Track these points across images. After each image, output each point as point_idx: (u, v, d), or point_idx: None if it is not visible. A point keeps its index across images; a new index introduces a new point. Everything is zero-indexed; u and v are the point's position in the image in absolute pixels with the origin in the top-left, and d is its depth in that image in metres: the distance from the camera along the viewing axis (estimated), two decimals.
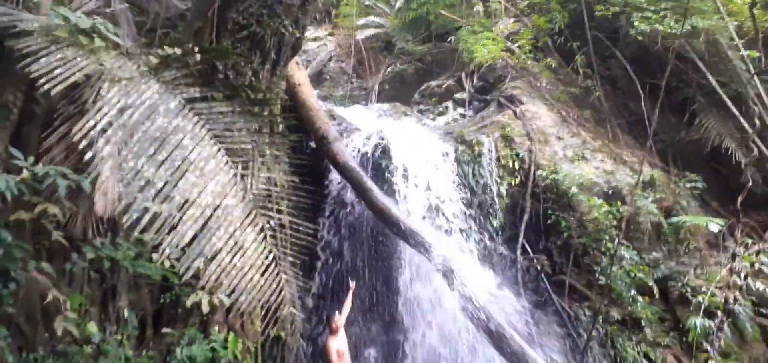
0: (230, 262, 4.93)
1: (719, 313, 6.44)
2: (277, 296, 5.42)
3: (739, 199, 10.67)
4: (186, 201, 4.74)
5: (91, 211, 5.46)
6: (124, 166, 4.71)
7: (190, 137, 4.97)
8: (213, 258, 4.89)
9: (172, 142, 4.83)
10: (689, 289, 9.44)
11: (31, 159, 4.68)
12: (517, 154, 10.57)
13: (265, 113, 6.19)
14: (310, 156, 8.57)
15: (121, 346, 5.84)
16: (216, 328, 6.84)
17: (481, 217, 9.80)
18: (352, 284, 8.06)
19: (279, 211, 5.72)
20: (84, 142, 4.54)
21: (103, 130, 4.70)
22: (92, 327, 5.61)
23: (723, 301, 6.53)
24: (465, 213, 9.52)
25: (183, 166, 4.77)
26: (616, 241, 9.02)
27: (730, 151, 11.00)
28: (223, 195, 4.89)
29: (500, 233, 10.00)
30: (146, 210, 4.66)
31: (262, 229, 5.22)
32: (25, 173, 4.55)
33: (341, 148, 7.75)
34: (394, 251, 8.88)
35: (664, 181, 11.03)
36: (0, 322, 4.90)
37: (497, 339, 5.92)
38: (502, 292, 7.81)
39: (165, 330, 6.56)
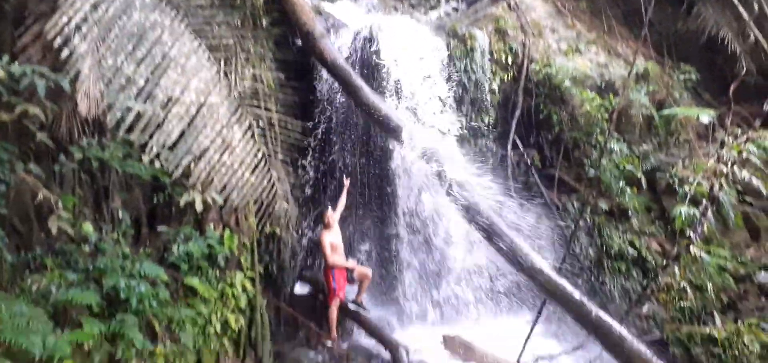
0: (219, 160, 4.94)
1: (704, 200, 6.55)
2: (269, 193, 5.47)
3: (732, 88, 10.62)
4: (169, 99, 4.68)
5: (75, 112, 5.40)
6: (104, 64, 4.60)
7: (168, 32, 4.82)
8: (201, 156, 4.88)
9: (150, 38, 4.69)
10: (676, 180, 9.60)
11: (6, 58, 4.56)
12: (511, 48, 10.37)
13: (247, 6, 5.97)
14: (298, 53, 8.38)
15: (118, 244, 5.96)
16: (211, 225, 6.96)
17: (473, 114, 9.76)
18: (347, 181, 8.14)
19: (267, 109, 5.65)
20: (59, 40, 4.40)
21: (78, 27, 4.55)
22: (87, 227, 5.69)
23: (708, 188, 6.62)
24: (456, 110, 9.46)
25: (163, 63, 4.66)
26: (607, 133, 9.04)
27: (726, 41, 10.82)
28: (206, 92, 4.82)
29: (492, 129, 10.00)
30: (129, 109, 4.60)
31: (249, 127, 5.18)
32: (1, 73, 4.45)
33: (328, 45, 7.54)
34: (386, 149, 8.90)
35: (658, 73, 10.92)
36: None
37: (488, 232, 6.04)
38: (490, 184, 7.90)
39: (160, 228, 6.69)
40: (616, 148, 9.42)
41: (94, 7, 4.60)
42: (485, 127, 9.83)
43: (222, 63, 5.15)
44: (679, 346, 7.53)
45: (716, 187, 6.51)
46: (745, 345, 7.15)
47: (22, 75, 4.48)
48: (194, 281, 6.33)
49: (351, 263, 7.52)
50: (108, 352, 5.10)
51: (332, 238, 7.55)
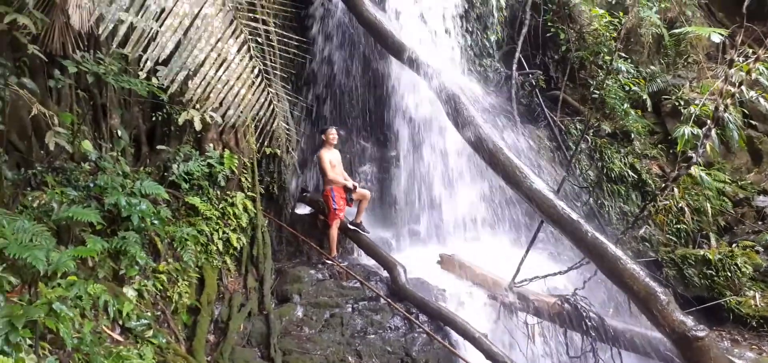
0: (215, 75, 4.81)
1: (708, 121, 6.44)
2: (268, 111, 5.38)
3: (745, 4, 10.23)
4: (162, 10, 4.50)
5: (67, 26, 5.24)
6: None
7: None
8: (196, 72, 4.76)
9: None
10: (682, 102, 9.47)
11: None
12: None
13: None
14: None
15: (118, 163, 5.96)
16: (210, 145, 6.97)
17: (479, 31, 9.51)
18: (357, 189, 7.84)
19: (264, 23, 5.47)
20: None
21: None
22: (87, 144, 5.67)
23: (713, 109, 6.50)
24: (462, 27, 9.20)
25: None
26: (615, 52, 8.83)
27: None
28: (200, 3, 4.63)
29: (497, 49, 9.78)
30: (122, 21, 4.45)
31: (245, 41, 5.03)
32: None
33: None
34: (388, 69, 8.74)
35: None
36: None
37: (487, 153, 5.99)
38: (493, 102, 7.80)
39: (160, 147, 6.68)
40: (623, 69, 9.24)
41: None
42: (490, 46, 9.61)
43: None
44: (673, 268, 7.67)
45: (721, 107, 6.37)
46: (737, 267, 7.28)
47: None
48: (195, 200, 6.38)
49: (350, 183, 7.53)
50: (112, 268, 5.20)
51: (331, 156, 7.53)
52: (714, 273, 7.32)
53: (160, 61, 4.56)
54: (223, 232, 6.64)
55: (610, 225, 8.69)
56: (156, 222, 5.63)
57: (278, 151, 7.97)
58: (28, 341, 3.68)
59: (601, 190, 9.04)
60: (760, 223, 8.45)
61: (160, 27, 4.49)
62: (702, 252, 7.63)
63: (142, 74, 4.98)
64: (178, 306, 5.74)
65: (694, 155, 6.44)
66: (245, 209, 7.00)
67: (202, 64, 4.71)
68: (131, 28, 4.50)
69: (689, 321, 4.74)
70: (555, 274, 6.44)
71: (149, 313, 5.16)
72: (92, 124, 6.22)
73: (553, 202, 5.58)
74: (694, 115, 7.04)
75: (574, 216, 5.54)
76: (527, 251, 6.48)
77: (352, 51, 8.94)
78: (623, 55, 9.57)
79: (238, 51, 4.98)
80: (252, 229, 7.10)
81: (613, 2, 10.05)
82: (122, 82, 5.70)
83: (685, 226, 8.46)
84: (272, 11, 6.47)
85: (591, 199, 8.84)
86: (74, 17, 4.81)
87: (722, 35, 9.09)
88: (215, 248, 6.46)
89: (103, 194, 5.36)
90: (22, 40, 4.90)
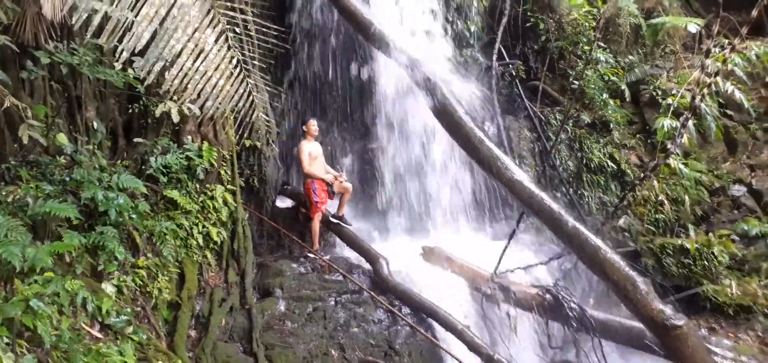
0: (192, 66, 4.73)
1: (686, 111, 6.54)
2: (246, 103, 5.31)
3: None
4: None
5: (39, 15, 5.11)
6: None
7: None
8: (173, 62, 4.67)
9: None
10: (660, 92, 9.59)
11: None
12: None
13: None
14: None
15: (94, 156, 5.83)
16: (189, 137, 6.86)
17: (459, 22, 9.50)
18: (342, 176, 7.84)
19: (242, 12, 5.38)
20: None
21: None
22: (62, 138, 5.53)
23: (690, 100, 6.60)
24: (442, 16, 9.18)
25: None
26: (594, 43, 8.90)
27: None
28: None
29: (477, 39, 9.78)
30: (96, 11, 4.33)
31: (223, 31, 4.95)
32: None
33: None
34: (369, 60, 8.68)
35: None
36: None
37: (468, 143, 6.00)
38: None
39: (137, 140, 6.56)
40: (602, 58, 9.31)
41: None
42: (470, 36, 9.61)
43: None
44: (652, 257, 7.78)
45: (698, 98, 6.47)
46: (714, 256, 7.41)
47: None
48: (174, 193, 6.29)
49: (329, 176, 7.47)
50: (90, 263, 5.10)
51: (311, 149, 7.46)
52: (692, 262, 7.44)
53: (136, 51, 4.46)
54: (203, 226, 6.56)
55: (590, 215, 8.78)
56: (134, 216, 5.53)
57: (258, 144, 7.89)
58: (6, 339, 3.60)
59: (580, 180, 9.13)
60: (735, 211, 8.62)
61: (136, 17, 4.39)
62: (680, 241, 7.75)
63: (118, 65, 4.89)
64: (158, 301, 5.65)
65: (672, 146, 6.54)
66: (225, 203, 6.92)
67: (179, 55, 4.62)
68: (106, 17, 4.39)
69: (668, 310, 4.81)
70: (536, 264, 6.49)
71: (129, 309, 5.07)
72: (67, 116, 6.08)
73: (534, 192, 5.61)
74: (672, 107, 7.15)
75: (555, 206, 5.58)
76: (508, 242, 6.51)
77: (332, 41, 8.86)
78: (602, 45, 9.64)
79: (216, 41, 4.90)
80: (232, 223, 7.02)
81: None
82: (97, 73, 5.57)
83: (663, 216, 8.59)
84: (250, 1, 6.36)
85: (571, 189, 8.92)
86: (46, 7, 4.67)
87: (698, 25, 9.22)
88: (195, 243, 6.38)
89: (80, 188, 5.25)
90: None
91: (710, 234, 8.00)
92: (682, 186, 8.84)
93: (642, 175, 8.31)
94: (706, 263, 7.38)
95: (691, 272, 7.42)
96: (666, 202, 8.61)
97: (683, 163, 7.84)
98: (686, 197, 8.65)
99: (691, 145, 8.48)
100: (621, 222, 8.61)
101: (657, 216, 8.65)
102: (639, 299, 4.91)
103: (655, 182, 8.77)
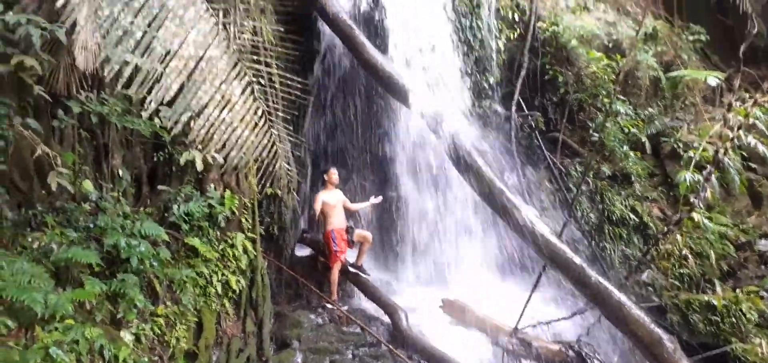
0: (218, 117, 4.83)
1: (708, 165, 6.47)
2: (270, 152, 5.38)
3: (741, 49, 10.41)
4: (167, 52, 4.54)
5: (72, 66, 5.27)
6: (100, 15, 4.45)
7: None
8: (200, 113, 4.78)
9: None
10: (681, 144, 9.52)
11: (1, 6, 4.43)
12: (518, 5, 10.14)
13: None
14: (299, 5, 8.17)
15: (118, 203, 5.90)
16: (212, 185, 6.92)
17: (478, 74, 9.61)
18: (377, 199, 7.93)
19: (267, 65, 5.52)
20: None
21: None
22: (88, 185, 5.62)
23: (713, 153, 6.54)
24: (461, 69, 9.30)
25: (161, 15, 4.50)
26: (613, 95, 8.92)
27: (736, 1, 10.57)
28: (205, 45, 4.67)
29: (496, 90, 9.87)
30: (127, 63, 4.47)
31: (249, 83, 5.06)
32: None
33: None
34: (388, 110, 8.79)
35: (667, 33, 10.73)
36: None
37: (489, 197, 5.99)
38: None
39: (161, 187, 6.64)
40: (622, 111, 9.31)
41: None
42: (489, 88, 9.70)
43: (221, 15, 4.99)
44: (677, 313, 7.57)
45: (721, 152, 6.42)
46: (742, 313, 7.18)
47: (17, 24, 4.36)
48: (195, 241, 6.31)
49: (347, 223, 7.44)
50: (109, 311, 5.10)
51: (327, 197, 7.48)
52: (719, 319, 7.22)
53: (164, 101, 4.57)
54: (223, 274, 6.55)
55: (612, 269, 8.61)
56: (155, 264, 5.56)
57: (279, 192, 7.95)
58: None
59: (602, 232, 9.00)
60: (763, 267, 8.39)
61: (165, 69, 4.52)
62: (706, 297, 7.54)
63: (146, 115, 5.00)
64: (176, 351, 5.61)
65: (695, 200, 6.45)
66: (245, 251, 6.92)
67: (206, 106, 4.72)
68: (136, 69, 4.53)
69: None
70: (559, 319, 6.36)
71: (146, 359, 5.04)
72: (94, 163, 6.19)
73: (557, 245, 5.56)
74: (694, 160, 7.09)
75: (578, 260, 5.51)
76: (530, 296, 6.41)
77: (352, 91, 9.00)
78: (621, 97, 9.66)
79: (242, 92, 5.01)
80: (251, 271, 7.01)
81: (610, 45, 10.20)
82: (126, 122, 5.70)
83: (688, 271, 8.39)
84: (275, 53, 6.52)
85: (593, 242, 8.79)
86: (80, 59, 4.82)
87: (719, 79, 9.22)
88: (214, 291, 6.36)
89: (103, 235, 5.30)
90: (27, 80, 4.91)
91: (738, 290, 7.78)
92: (706, 240, 8.67)
93: (666, 228, 8.17)
94: (735, 320, 7.15)
95: (719, 330, 7.18)
96: (690, 256, 8.43)
97: (707, 217, 7.70)
98: (711, 252, 8.46)
99: (714, 198, 8.35)
100: (644, 276, 8.43)
101: (681, 270, 8.46)
102: (665, 357, 4.79)
103: (678, 236, 8.62)
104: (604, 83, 9.53)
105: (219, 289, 6.43)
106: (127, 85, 4.53)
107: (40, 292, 4.02)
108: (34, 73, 4.94)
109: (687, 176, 6.83)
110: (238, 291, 6.69)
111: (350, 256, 7.62)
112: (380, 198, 7.79)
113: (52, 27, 4.46)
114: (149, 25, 4.40)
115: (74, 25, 4.43)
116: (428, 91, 7.97)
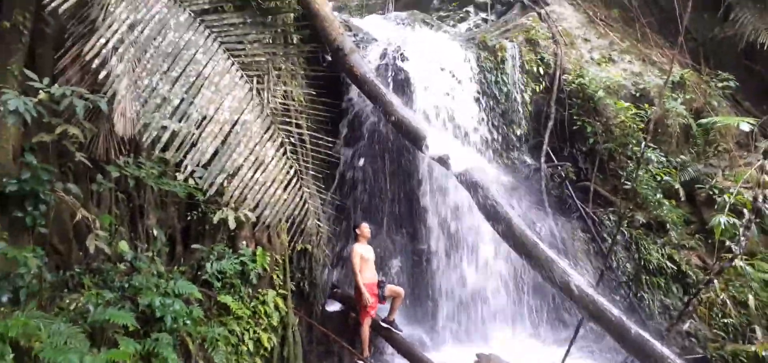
0: (252, 177, 4.94)
1: (746, 211, 6.30)
2: (301, 210, 5.45)
3: None
4: (204, 117, 4.70)
5: (111, 132, 5.48)
6: (140, 84, 4.66)
7: (202, 52, 4.87)
8: (234, 174, 4.90)
9: (185, 58, 4.75)
10: (716, 191, 9.30)
11: (47, 80, 4.66)
12: (542, 59, 10.24)
13: (278, 24, 6.00)
14: (328, 68, 8.41)
15: (153, 263, 6.00)
16: (244, 242, 7.00)
17: (504, 126, 9.65)
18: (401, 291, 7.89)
19: (298, 126, 5.66)
20: (97, 61, 4.48)
21: (115, 48, 4.62)
22: (124, 245, 5.75)
23: (751, 199, 6.37)
24: (487, 122, 9.36)
25: (198, 82, 4.70)
26: (643, 144, 8.82)
27: (765, 47, 10.48)
28: (240, 110, 4.84)
29: (524, 142, 9.87)
30: (165, 128, 4.64)
31: (281, 144, 5.18)
32: (42, 95, 4.54)
33: (358, 59, 7.53)
34: (417, 164, 8.84)
35: (695, 81, 10.64)
36: (35, 243, 5.06)
37: (523, 249, 5.91)
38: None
39: (194, 246, 6.74)
40: (653, 159, 9.18)
41: (131, 28, 4.67)
42: (517, 140, 9.71)
43: (254, 81, 5.18)
44: None
45: (760, 198, 6.25)
46: None
47: (61, 97, 4.57)
48: (227, 299, 6.34)
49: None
50: None
51: (363, 251, 7.47)
52: None
53: (200, 164, 4.71)
54: (254, 332, 6.53)
55: (651, 319, 8.32)
56: (188, 322, 5.59)
57: (309, 247, 7.98)
58: None
59: (639, 282, 8.74)
60: None
61: (201, 133, 4.67)
62: (753, 348, 7.20)
63: (181, 177, 5.15)
64: None
65: (736, 248, 6.25)
66: (276, 307, 6.91)
67: (240, 167, 4.84)
68: (173, 134, 4.69)
69: None
70: None
71: None
72: (129, 224, 6.35)
73: (594, 297, 5.42)
74: (729, 204, 6.91)
75: (616, 311, 5.35)
76: (568, 350, 6.20)
77: (381, 146, 9.11)
78: (652, 145, 9.55)
79: (275, 153, 5.13)
80: (283, 328, 6.98)
81: (638, 95, 10.16)
82: (162, 184, 5.85)
83: (732, 321, 8.05)
84: (306, 115, 6.68)
85: (630, 292, 8.54)
86: (119, 125, 5.02)
87: (752, 124, 9.07)
88: (246, 349, 6.34)
89: (138, 294, 5.37)
90: (70, 147, 5.11)
91: None
92: (749, 288, 8.34)
93: (706, 277, 7.90)
94: None
95: None
96: (731, 305, 8.10)
97: (748, 264, 7.44)
98: (752, 299, 8.12)
99: (754, 245, 8.08)
100: (686, 327, 8.11)
101: (725, 320, 8.12)
102: None
103: (717, 284, 8.32)
104: (633, 132, 9.45)
105: (251, 346, 6.40)
106: (164, 148, 4.68)
107: (77, 354, 4.07)
108: (76, 140, 5.14)
109: (721, 219, 6.67)
110: (269, 348, 6.65)
111: (382, 311, 7.53)
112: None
113: (94, 98, 4.67)
114: (186, 93, 4.57)
115: (114, 94, 4.64)
116: (456, 145, 8.00)
